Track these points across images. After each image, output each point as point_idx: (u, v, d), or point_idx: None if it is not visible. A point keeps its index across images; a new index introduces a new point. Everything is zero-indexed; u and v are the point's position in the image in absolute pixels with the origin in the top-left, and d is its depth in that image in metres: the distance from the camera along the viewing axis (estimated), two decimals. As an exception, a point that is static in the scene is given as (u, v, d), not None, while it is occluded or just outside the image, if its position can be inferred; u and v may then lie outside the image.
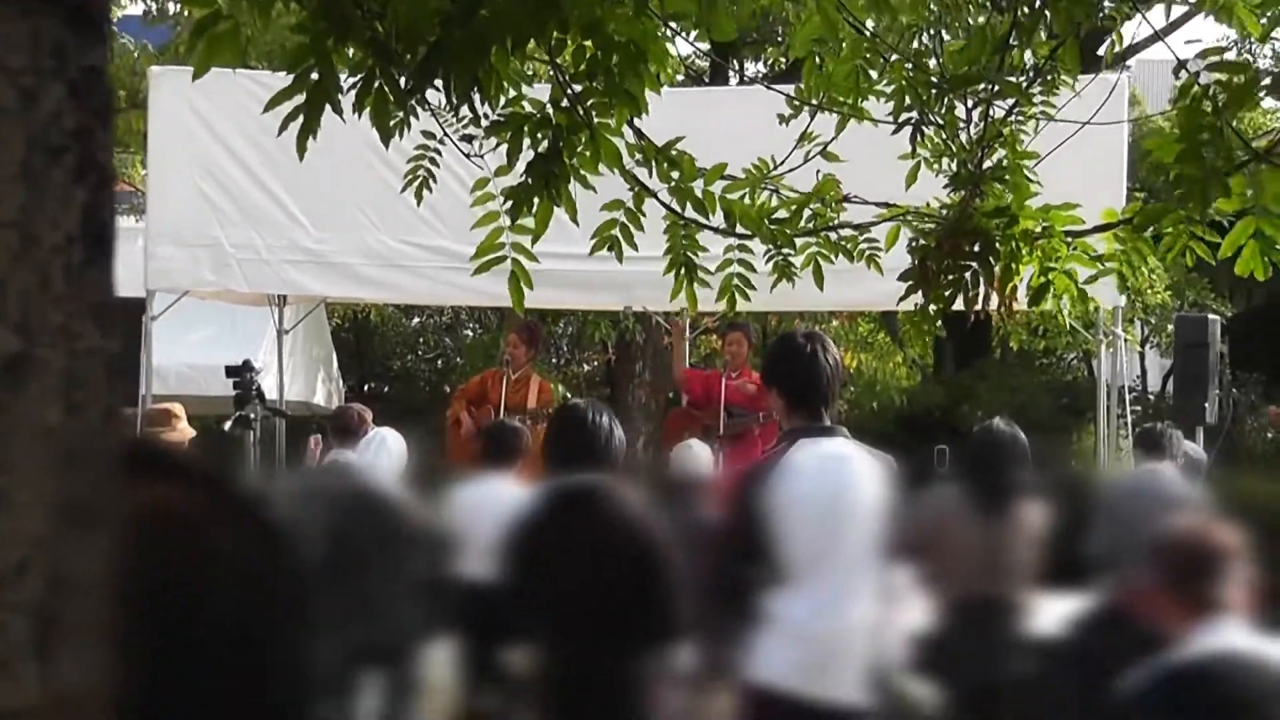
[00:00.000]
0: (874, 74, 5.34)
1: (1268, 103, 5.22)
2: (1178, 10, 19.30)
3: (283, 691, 1.16)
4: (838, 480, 7.15)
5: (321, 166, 13.91)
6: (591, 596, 7.37)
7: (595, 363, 23.56)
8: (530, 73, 5.01)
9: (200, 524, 1.17)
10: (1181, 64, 4.68)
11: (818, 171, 5.49)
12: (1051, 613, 11.63)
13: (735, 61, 22.49)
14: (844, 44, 5.26)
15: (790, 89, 6.04)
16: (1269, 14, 5.21)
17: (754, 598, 7.23)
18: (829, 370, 7.29)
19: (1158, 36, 11.41)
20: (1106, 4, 5.13)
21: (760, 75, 21.94)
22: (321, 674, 1.21)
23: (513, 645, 7.90)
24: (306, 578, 1.27)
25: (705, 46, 21.64)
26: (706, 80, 21.91)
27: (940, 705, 8.69)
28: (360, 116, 4.65)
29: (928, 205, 5.36)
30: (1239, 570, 5.02)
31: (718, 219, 5.36)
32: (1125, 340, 16.78)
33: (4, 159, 0.91)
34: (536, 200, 4.97)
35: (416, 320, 24.18)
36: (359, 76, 4.58)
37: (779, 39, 20.38)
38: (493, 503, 11.33)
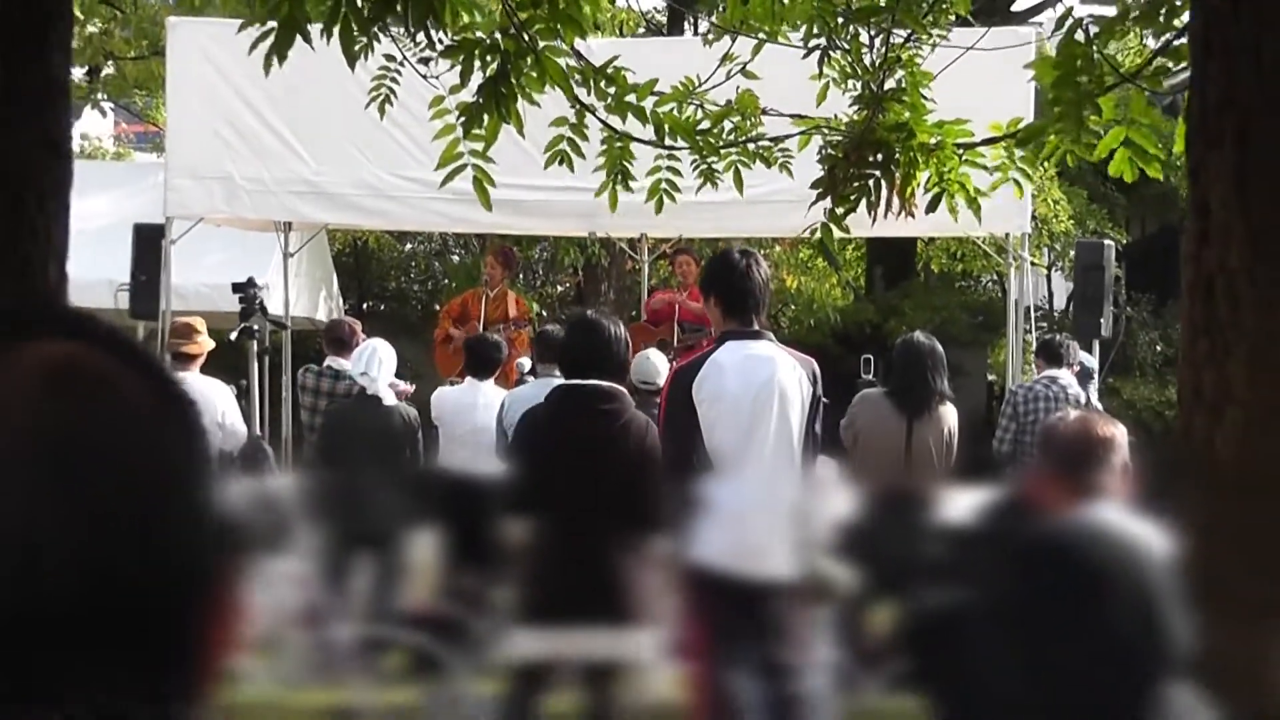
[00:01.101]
0: (787, 2, 5.31)
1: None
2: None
3: (180, 545, 1.11)
4: (760, 376, 7.16)
5: (321, 108, 14.09)
6: (593, 486, 7.48)
7: (566, 284, 23.68)
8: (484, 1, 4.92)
9: (111, 380, 1.12)
10: (1069, 9, 4.70)
11: (737, 88, 5.48)
12: (962, 503, 11.71)
13: (691, 16, 22.41)
14: None
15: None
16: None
17: (689, 484, 7.29)
18: (760, 283, 7.31)
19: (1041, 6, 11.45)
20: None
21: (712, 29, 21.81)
22: (216, 530, 1.16)
23: (512, 523, 7.99)
24: (207, 437, 1.21)
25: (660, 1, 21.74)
26: (665, 32, 21.91)
27: (857, 584, 8.73)
28: (329, 43, 4.61)
29: (836, 119, 5.35)
30: (1117, 459, 5.03)
31: (649, 133, 5.35)
32: (1032, 264, 16.89)
33: None
34: (486, 117, 4.93)
35: (409, 246, 24.21)
36: (327, 5, 4.55)
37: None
38: (474, 403, 11.45)
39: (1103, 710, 1.93)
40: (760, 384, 7.16)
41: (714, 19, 21.67)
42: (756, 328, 7.27)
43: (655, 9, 23.06)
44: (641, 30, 20.96)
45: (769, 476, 7.19)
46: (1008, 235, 15.09)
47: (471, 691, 9.16)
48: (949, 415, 10.56)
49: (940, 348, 10.74)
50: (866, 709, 8.62)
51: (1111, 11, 5.09)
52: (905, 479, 10.41)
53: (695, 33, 20.88)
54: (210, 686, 1.18)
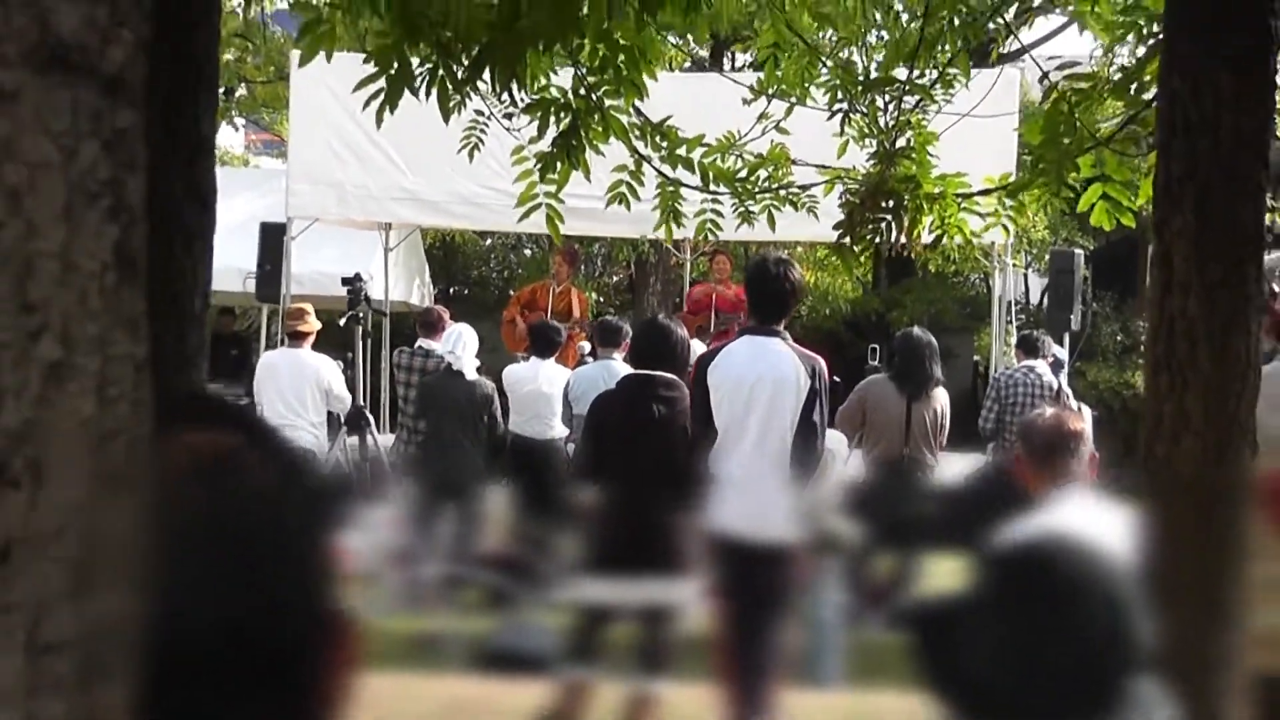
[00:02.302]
0: (816, 71, 5.33)
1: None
2: (1056, 22, 19.09)
3: (301, 598, 1.13)
4: (759, 368, 7.19)
5: (417, 128, 13.79)
6: (651, 459, 7.60)
7: (620, 276, 23.68)
8: (555, 72, 4.98)
9: (242, 463, 1.13)
10: (1045, 74, 4.72)
11: (772, 142, 5.50)
12: (953, 468, 11.73)
13: (729, 52, 22.35)
14: (795, 49, 5.27)
15: (761, 74, 6.07)
16: (1117, 31, 5.25)
17: (706, 456, 7.40)
18: (783, 290, 7.33)
19: (1025, 49, 11.47)
20: (990, 26, 5.13)
21: (747, 63, 21.72)
22: (330, 583, 1.19)
23: (583, 488, 8.10)
24: (323, 499, 1.23)
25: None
26: (707, 65, 21.83)
27: (860, 538, 8.77)
28: (429, 99, 4.66)
29: (854, 170, 5.35)
30: (1085, 449, 5.05)
31: (696, 179, 5.37)
32: (1013, 266, 16.85)
33: (48, 203, 0.87)
34: (559, 164, 4.97)
35: (488, 241, 24.25)
36: (427, 68, 4.61)
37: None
38: (535, 377, 11.55)
39: (1078, 701, 1.92)
40: (758, 374, 7.18)
41: (753, 56, 21.69)
42: (777, 327, 7.31)
43: (699, 47, 23.02)
44: (688, 65, 20.90)
45: (763, 452, 7.22)
46: (993, 242, 14.93)
47: (538, 622, 9.19)
48: (941, 396, 10.67)
49: (934, 340, 10.83)
50: (869, 641, 8.63)
51: (1089, 44, 5.14)
52: (905, 449, 10.46)
53: (734, 67, 20.84)
54: (332, 712, 1.18)
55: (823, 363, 7.46)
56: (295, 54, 15.56)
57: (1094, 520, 4.69)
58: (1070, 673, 1.93)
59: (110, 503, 0.91)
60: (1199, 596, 2.98)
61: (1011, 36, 5.83)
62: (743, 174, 5.39)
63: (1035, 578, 2.03)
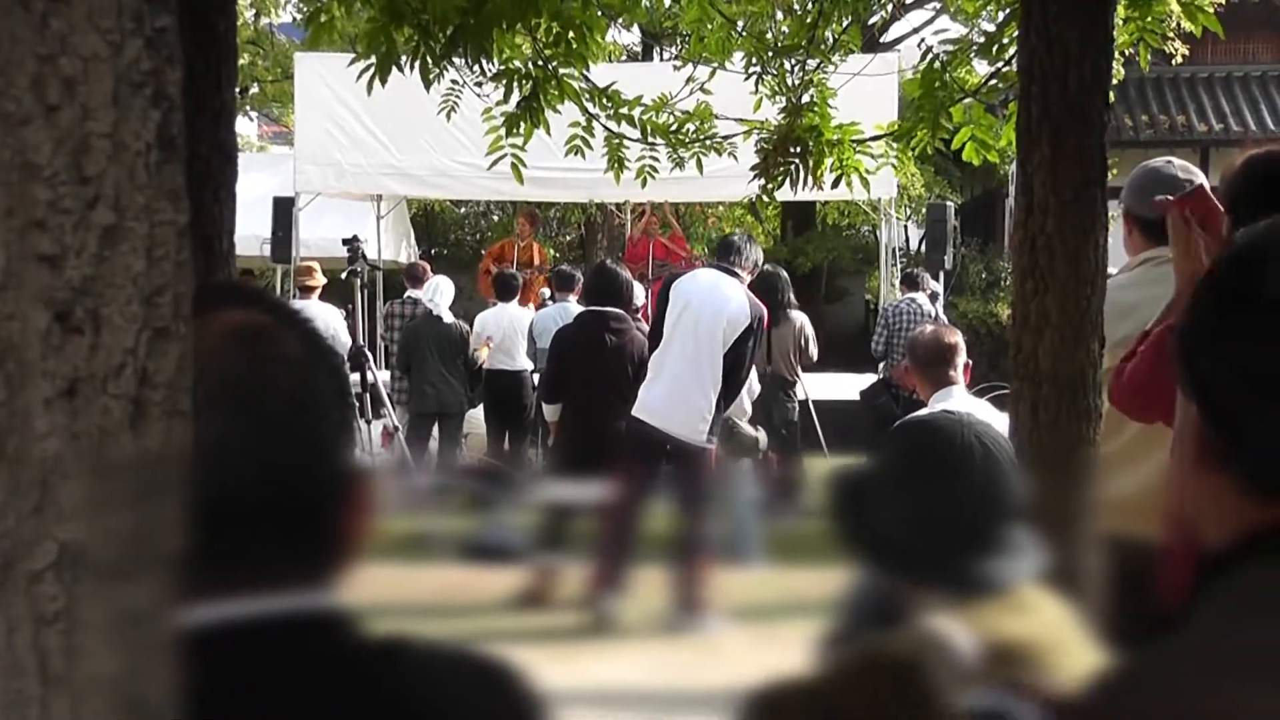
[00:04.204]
0: (734, 40, 5.38)
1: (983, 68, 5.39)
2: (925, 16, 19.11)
3: (325, 456, 1.12)
4: (707, 295, 7.33)
5: (402, 116, 13.98)
6: (606, 376, 7.71)
7: (572, 235, 23.71)
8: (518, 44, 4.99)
9: (273, 336, 1.11)
10: (923, 40, 4.77)
11: (698, 101, 5.53)
12: (849, 385, 11.77)
13: (660, 46, 22.27)
14: (716, 22, 5.31)
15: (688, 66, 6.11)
16: (985, 12, 5.33)
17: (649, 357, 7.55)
18: (744, 248, 7.47)
19: (902, 39, 11.53)
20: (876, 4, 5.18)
21: (672, 57, 21.67)
22: (350, 445, 1.17)
23: (549, 407, 8.13)
24: (346, 377, 1.20)
25: (638, 36, 21.59)
26: (640, 58, 21.79)
27: (763, 442, 8.77)
28: (412, 72, 4.64)
29: (767, 122, 5.38)
30: (960, 359, 5.08)
31: (636, 133, 5.39)
32: (896, 219, 16.92)
33: (99, 90, 0.86)
34: (523, 123, 4.99)
35: (462, 210, 24.26)
36: (410, 47, 4.61)
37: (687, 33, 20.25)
38: (499, 319, 11.55)
39: (966, 547, 1.93)
40: (703, 300, 7.29)
41: (680, 51, 21.60)
42: (736, 270, 7.38)
43: (633, 42, 22.94)
44: (624, 58, 20.85)
45: (690, 364, 7.26)
46: (879, 198, 15.00)
47: (512, 520, 9.20)
48: (798, 319, 10.33)
49: (785, 274, 10.61)
50: (785, 530, 8.67)
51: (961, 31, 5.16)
52: (766, 366, 10.22)
53: (662, 59, 20.76)
54: (350, 561, 1.17)
55: (765, 311, 7.56)
56: (299, 56, 15.68)
57: (972, 406, 4.74)
58: (959, 524, 1.94)
59: (159, 349, 0.89)
60: (1059, 462, 3.01)
61: (895, 22, 5.85)
62: (675, 128, 5.37)
63: (927, 446, 2.04)
